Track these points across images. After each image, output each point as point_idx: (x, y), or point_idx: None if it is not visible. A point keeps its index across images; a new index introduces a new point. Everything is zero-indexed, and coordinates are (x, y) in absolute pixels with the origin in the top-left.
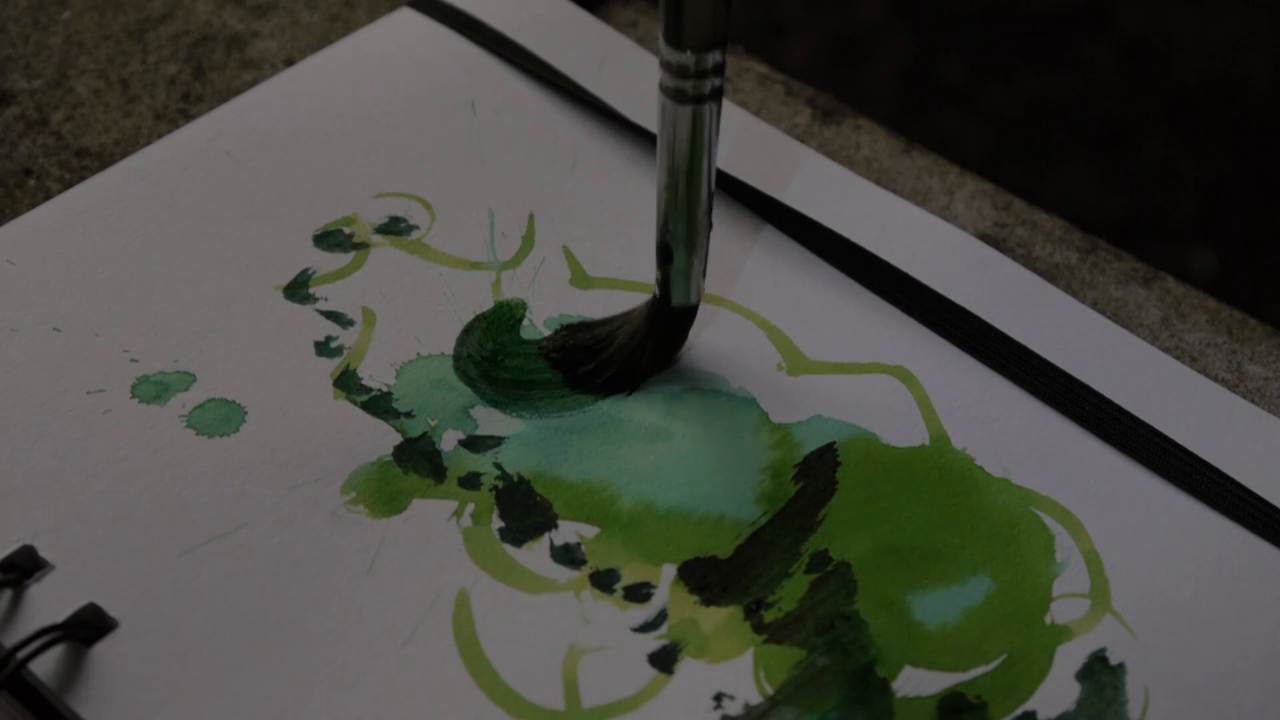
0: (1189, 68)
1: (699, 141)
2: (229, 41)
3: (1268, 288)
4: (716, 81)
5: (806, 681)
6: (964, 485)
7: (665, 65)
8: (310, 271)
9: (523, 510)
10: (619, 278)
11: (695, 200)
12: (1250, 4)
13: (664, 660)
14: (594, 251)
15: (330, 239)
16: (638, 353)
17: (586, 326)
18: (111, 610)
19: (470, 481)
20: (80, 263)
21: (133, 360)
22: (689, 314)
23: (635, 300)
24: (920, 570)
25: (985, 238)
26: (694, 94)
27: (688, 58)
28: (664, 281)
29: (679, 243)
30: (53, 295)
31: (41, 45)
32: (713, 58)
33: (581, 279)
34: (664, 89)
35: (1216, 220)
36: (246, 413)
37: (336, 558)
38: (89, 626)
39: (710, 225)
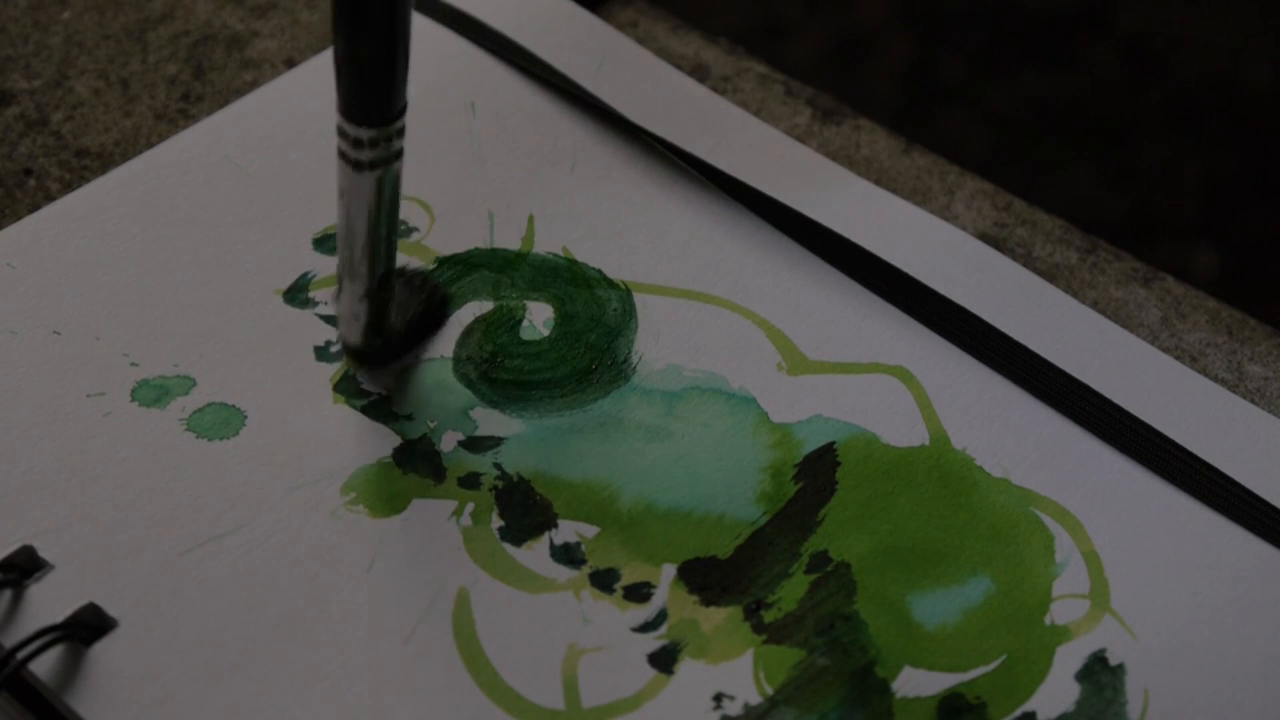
0: (1190, 68)
1: (373, 205)
2: (229, 41)
3: (1269, 288)
4: (397, 145)
5: (806, 682)
6: (964, 485)
7: (343, 136)
8: (310, 275)
9: (522, 509)
10: (619, 278)
11: (371, 260)
12: (1251, 4)
13: (664, 660)
14: (594, 252)
15: (330, 242)
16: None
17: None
18: (111, 610)
19: (470, 481)
20: (80, 266)
21: (133, 364)
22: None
23: (643, 303)
24: (920, 570)
25: (985, 238)
26: (370, 162)
27: (364, 131)
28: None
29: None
30: (53, 298)
31: (41, 45)
32: (395, 128)
33: (582, 279)
34: (344, 157)
35: (1217, 220)
36: (246, 417)
37: (336, 557)
38: (89, 626)
39: (377, 287)
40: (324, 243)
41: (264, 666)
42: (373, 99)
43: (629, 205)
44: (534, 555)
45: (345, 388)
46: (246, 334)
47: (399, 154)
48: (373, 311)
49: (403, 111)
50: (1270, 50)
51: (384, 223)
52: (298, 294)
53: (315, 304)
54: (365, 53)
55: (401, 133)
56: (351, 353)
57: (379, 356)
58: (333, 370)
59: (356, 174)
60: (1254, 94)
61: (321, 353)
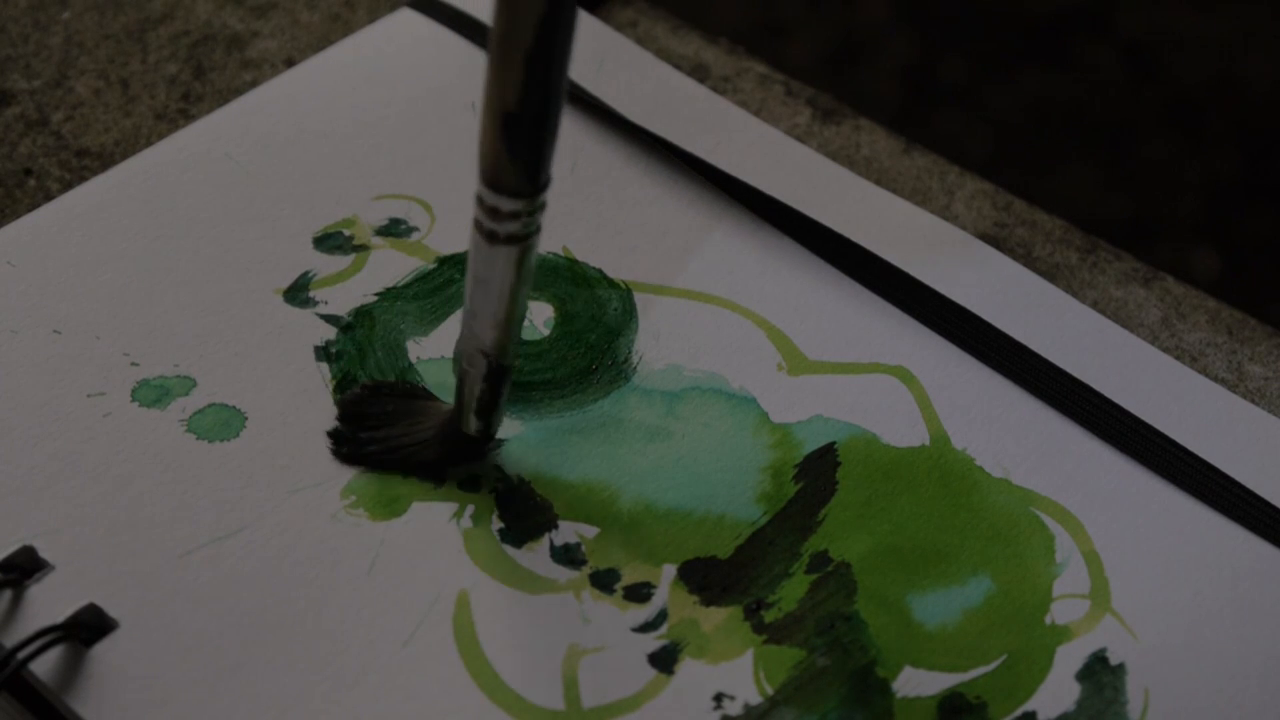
0: (1190, 68)
1: (517, 281)
2: (229, 41)
3: (1270, 288)
4: (539, 220)
5: (806, 682)
6: (964, 485)
7: (483, 206)
8: (310, 274)
9: (523, 511)
10: (619, 278)
11: (505, 337)
12: (1251, 5)
13: (664, 660)
14: (594, 252)
15: (330, 241)
16: (415, 452)
17: (387, 392)
18: (111, 611)
19: (470, 483)
20: (80, 265)
21: (133, 364)
22: (477, 443)
23: (643, 303)
24: (920, 570)
25: (985, 238)
26: (507, 236)
27: (512, 202)
28: (458, 405)
29: (474, 377)
30: (53, 297)
31: (41, 45)
32: (540, 200)
33: (582, 279)
34: (480, 228)
35: (1218, 221)
36: (247, 418)
37: (337, 560)
38: (89, 627)
39: (510, 360)
40: (324, 241)
41: (264, 668)
42: (524, 166)
43: (629, 205)
44: (534, 556)
45: (346, 389)
46: (247, 334)
47: (538, 229)
48: (489, 396)
49: (548, 183)
50: (1271, 50)
51: (520, 301)
52: (298, 293)
53: (316, 303)
54: (527, 111)
55: (544, 206)
56: (454, 443)
57: (476, 449)
58: (333, 371)
59: (491, 248)
60: (1254, 94)
61: (321, 353)
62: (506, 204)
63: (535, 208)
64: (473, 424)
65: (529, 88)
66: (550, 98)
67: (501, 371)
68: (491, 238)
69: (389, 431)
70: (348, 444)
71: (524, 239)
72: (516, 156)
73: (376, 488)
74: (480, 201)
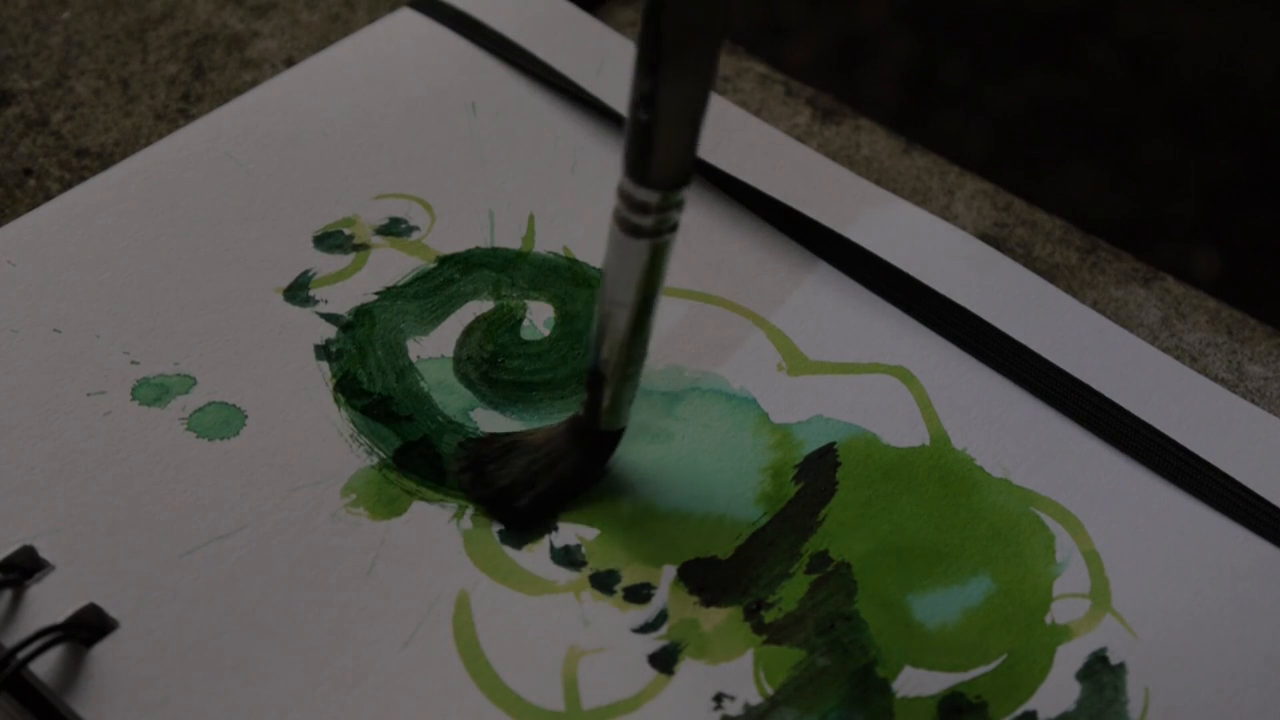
0: (1191, 69)
1: (652, 276)
2: (229, 41)
3: (1271, 288)
4: (677, 215)
5: (806, 682)
6: (964, 485)
7: (625, 199)
8: (311, 273)
9: None
10: None
11: (637, 333)
12: (1252, 5)
13: (664, 661)
14: (594, 252)
15: (330, 240)
16: (563, 473)
17: (494, 439)
18: (111, 611)
19: None
20: (80, 264)
21: (133, 362)
22: (615, 436)
23: None
24: (920, 570)
25: (985, 238)
26: (653, 229)
27: (652, 195)
28: (592, 404)
29: (613, 371)
30: (53, 296)
31: (41, 45)
32: (679, 195)
33: (582, 279)
34: (619, 221)
35: (1219, 221)
36: (247, 416)
37: (337, 560)
38: (89, 627)
39: (645, 354)
40: (324, 240)
41: (264, 668)
42: (670, 159)
43: None
44: (534, 557)
45: (345, 389)
46: (247, 332)
47: (674, 226)
48: (620, 395)
49: (690, 176)
50: (1271, 51)
51: (653, 295)
52: (298, 292)
53: (316, 302)
54: (678, 104)
55: (681, 205)
56: (591, 445)
57: (610, 443)
58: (333, 370)
59: (633, 240)
60: (1254, 94)
61: (321, 352)
62: (651, 196)
63: (675, 201)
64: (623, 417)
65: (690, 82)
66: (707, 92)
67: (630, 373)
68: (636, 232)
69: (529, 471)
70: (500, 502)
71: (661, 233)
72: (669, 152)
73: (377, 486)
74: (624, 195)
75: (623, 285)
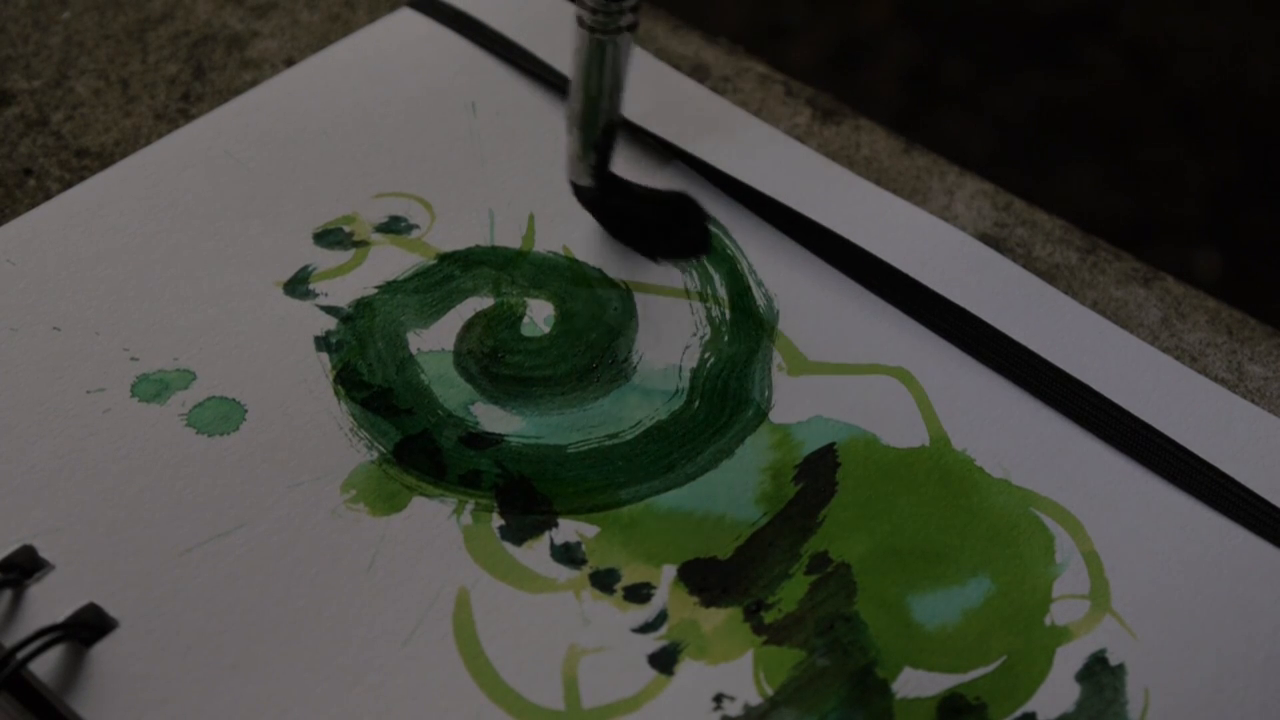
0: (1193, 70)
1: (603, 67)
2: (229, 41)
3: (1271, 289)
4: (626, 19)
5: (806, 683)
6: (964, 486)
7: (586, 6)
8: (310, 268)
9: (523, 508)
10: (619, 277)
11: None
12: (1253, 6)
13: (664, 661)
14: (594, 251)
15: (330, 237)
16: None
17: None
18: (111, 610)
19: (471, 479)
20: (80, 262)
21: (133, 359)
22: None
23: (643, 303)
24: (920, 571)
25: (985, 238)
26: (593, 27)
27: (600, 5)
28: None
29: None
30: (52, 294)
31: (41, 45)
32: (625, 4)
33: (582, 278)
34: (579, 20)
35: (1220, 222)
36: (247, 411)
37: (336, 556)
38: (89, 626)
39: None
40: (324, 237)
41: (264, 666)
42: None
43: None
44: (534, 555)
45: (346, 381)
46: (246, 325)
47: (628, 28)
48: (597, 158)
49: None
50: (1272, 52)
51: (607, 82)
52: (298, 286)
53: (316, 295)
54: None
55: (634, 9)
56: (574, 188)
57: (597, 197)
58: (333, 362)
59: (587, 35)
60: (1256, 96)
61: (321, 344)
62: (594, 3)
63: (618, 9)
64: (581, 177)
65: None
66: None
67: (594, 140)
68: (591, 30)
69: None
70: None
71: (607, 33)
72: None
73: (376, 482)
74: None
75: (580, 72)
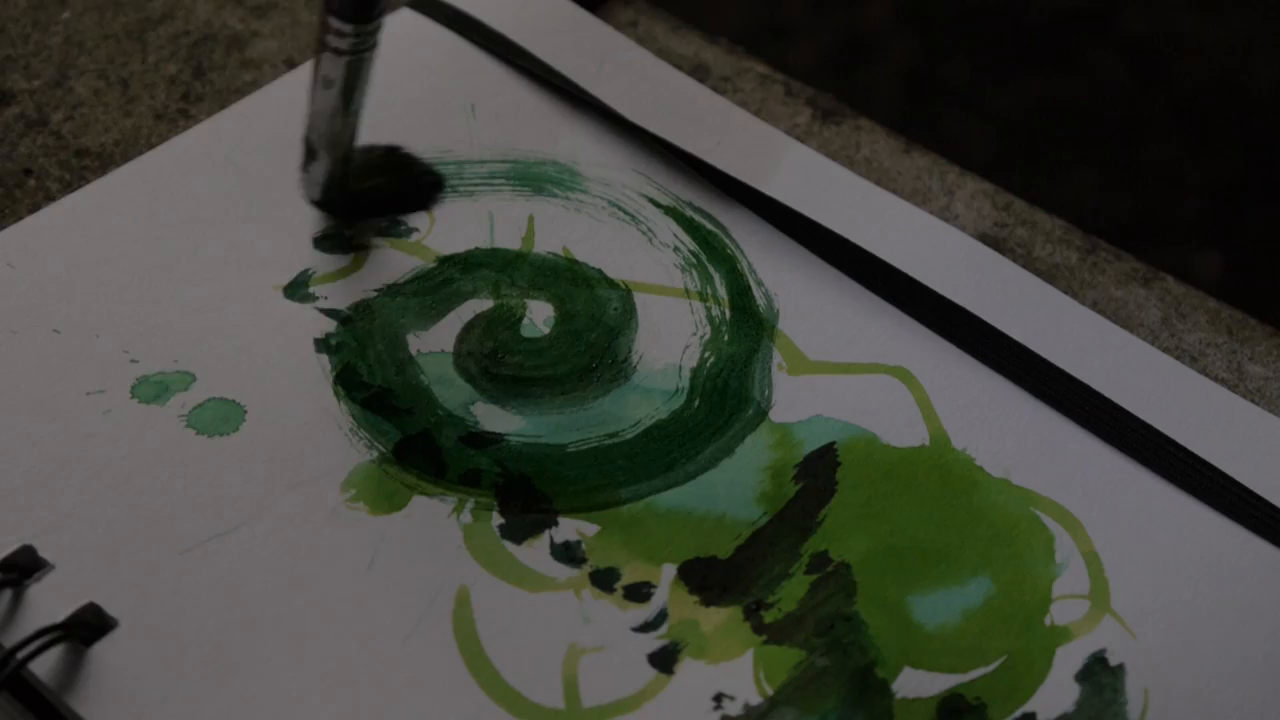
0: (1194, 70)
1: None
2: (229, 41)
3: (1272, 289)
4: (372, 40)
5: (806, 682)
6: (964, 486)
7: (332, 31)
8: (310, 272)
9: (523, 507)
10: (619, 278)
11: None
12: (1255, 7)
13: (664, 660)
14: (594, 251)
15: (330, 241)
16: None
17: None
18: (111, 609)
19: (470, 478)
20: (80, 265)
21: (133, 361)
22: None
23: (643, 303)
24: (920, 571)
25: (985, 238)
26: (343, 50)
27: (346, 26)
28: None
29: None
30: (52, 297)
31: (41, 45)
32: (371, 27)
33: (582, 279)
34: (325, 45)
35: (1221, 223)
36: (246, 412)
37: (336, 555)
38: (89, 626)
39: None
40: (324, 241)
41: (264, 666)
42: (357, 7)
43: (629, 205)
44: (534, 553)
45: (345, 382)
46: (246, 328)
47: (370, 48)
48: (333, 175)
49: (375, 16)
50: (1273, 52)
51: (360, 97)
52: (298, 289)
53: (316, 298)
54: None
55: (377, 30)
56: (313, 203)
57: (339, 208)
58: (333, 363)
59: (333, 58)
60: (1257, 96)
61: (321, 345)
62: (346, 27)
63: (368, 30)
64: (314, 194)
65: None
66: None
67: (337, 161)
68: (338, 53)
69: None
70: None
71: (354, 54)
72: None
73: (376, 481)
74: (326, 25)
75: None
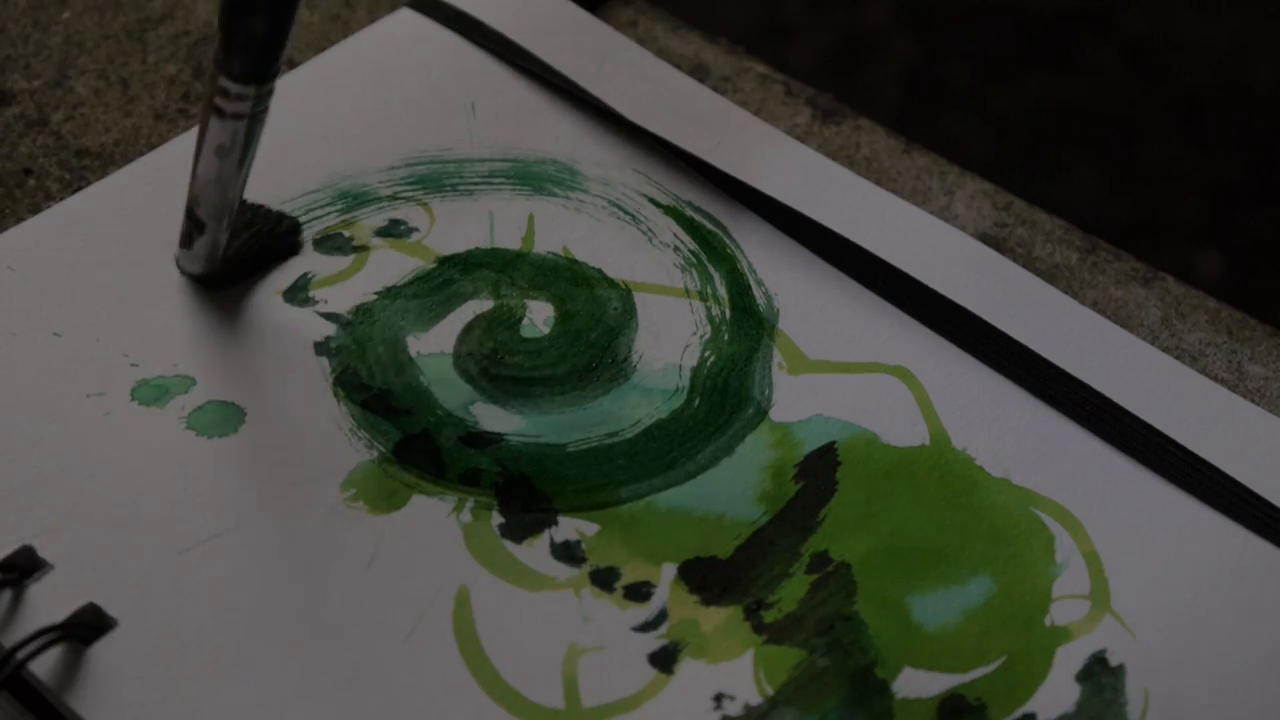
0: (1194, 70)
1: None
2: None
3: (1272, 289)
4: (267, 102)
5: (806, 682)
6: (964, 485)
7: (228, 95)
8: (310, 275)
9: (523, 506)
10: (619, 278)
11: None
12: (1255, 7)
13: (664, 660)
14: (594, 251)
15: (330, 242)
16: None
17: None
18: (111, 609)
19: (470, 477)
20: (80, 268)
21: (133, 364)
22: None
23: (643, 303)
24: (920, 571)
25: (985, 238)
26: (238, 114)
27: (248, 89)
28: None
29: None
30: (53, 300)
31: (41, 45)
32: (268, 88)
33: (582, 279)
34: (218, 110)
35: (1221, 223)
36: (246, 414)
37: (336, 555)
38: (88, 626)
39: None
40: (324, 243)
41: (264, 665)
42: (257, 65)
43: (629, 205)
44: (534, 553)
45: (345, 383)
46: (246, 332)
47: (266, 109)
48: (216, 246)
49: (275, 74)
50: (1274, 53)
51: (251, 158)
52: (298, 293)
53: (315, 302)
54: (256, 29)
55: (270, 93)
56: (193, 278)
57: (219, 279)
58: (332, 365)
59: (228, 123)
60: (1258, 96)
61: (321, 348)
62: (245, 90)
63: (265, 92)
64: (197, 267)
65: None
66: (284, 25)
67: (219, 232)
68: (236, 117)
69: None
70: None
71: (249, 117)
72: (252, 61)
73: (376, 480)
74: (220, 90)
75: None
